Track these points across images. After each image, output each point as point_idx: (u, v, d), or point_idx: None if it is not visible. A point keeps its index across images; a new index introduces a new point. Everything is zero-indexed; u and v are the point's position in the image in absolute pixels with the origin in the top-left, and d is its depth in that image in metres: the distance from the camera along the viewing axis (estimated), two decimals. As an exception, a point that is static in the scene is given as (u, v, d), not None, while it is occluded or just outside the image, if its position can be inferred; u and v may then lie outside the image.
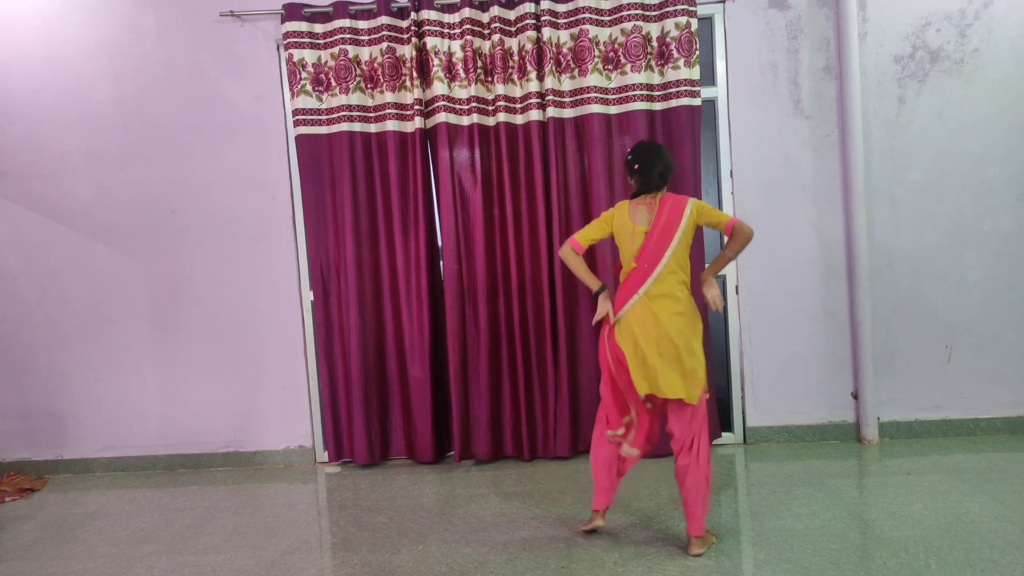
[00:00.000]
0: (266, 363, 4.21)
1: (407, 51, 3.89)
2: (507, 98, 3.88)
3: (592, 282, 2.91)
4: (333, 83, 3.97)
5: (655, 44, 3.85)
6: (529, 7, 3.82)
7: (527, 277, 3.92)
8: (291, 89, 3.97)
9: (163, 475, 4.24)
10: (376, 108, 3.98)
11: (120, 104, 4.14)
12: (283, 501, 3.69)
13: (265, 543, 3.12)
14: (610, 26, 3.86)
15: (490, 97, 3.94)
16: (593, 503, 2.97)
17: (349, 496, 3.67)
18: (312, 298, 4.10)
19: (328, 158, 4.00)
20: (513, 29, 3.88)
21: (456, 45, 3.90)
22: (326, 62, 3.97)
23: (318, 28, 3.96)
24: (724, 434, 4.08)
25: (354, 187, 3.97)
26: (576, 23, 3.84)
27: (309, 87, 3.97)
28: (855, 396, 4.02)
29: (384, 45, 3.90)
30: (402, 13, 3.92)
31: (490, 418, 3.99)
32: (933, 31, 3.88)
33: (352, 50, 3.94)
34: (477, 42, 3.90)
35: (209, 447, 4.28)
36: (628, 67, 3.85)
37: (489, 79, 3.93)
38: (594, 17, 3.84)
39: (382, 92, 3.95)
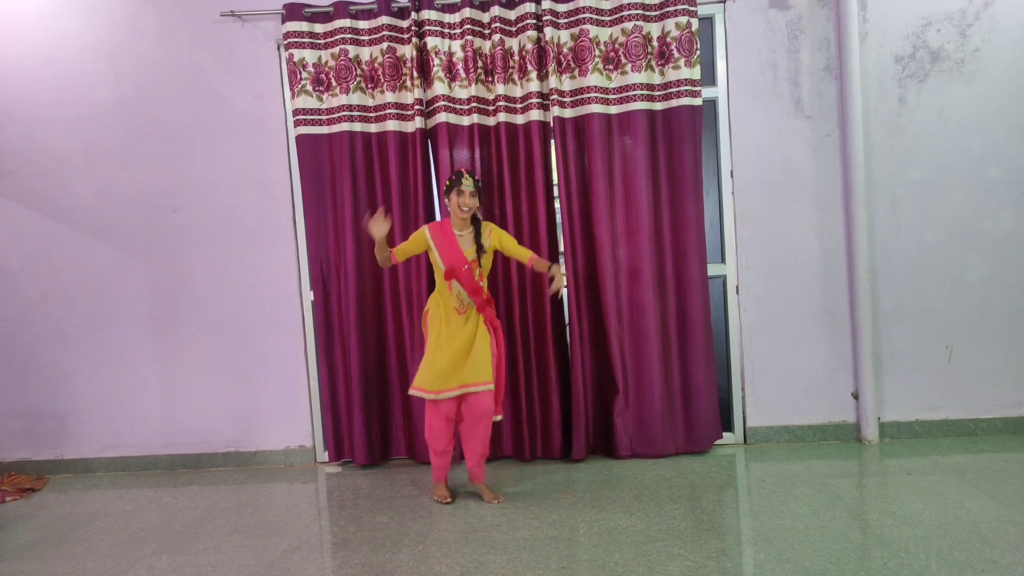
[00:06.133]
0: (266, 363, 4.21)
1: (407, 51, 3.89)
2: (507, 98, 3.88)
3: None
4: (333, 83, 3.97)
5: (655, 44, 3.85)
6: (530, 7, 3.81)
7: (527, 277, 3.92)
8: (291, 89, 3.97)
9: (163, 475, 4.24)
10: (376, 108, 3.98)
11: (120, 104, 4.15)
12: (283, 501, 3.69)
13: (265, 543, 3.12)
14: (611, 26, 3.86)
15: (490, 97, 3.94)
16: None
17: (349, 496, 3.67)
18: (312, 298, 4.11)
19: (328, 158, 4.00)
20: (513, 29, 3.87)
21: (456, 45, 3.90)
22: (326, 62, 3.97)
23: (318, 28, 3.96)
24: (724, 434, 4.07)
25: (354, 187, 3.97)
26: (577, 23, 3.83)
27: (309, 87, 3.97)
28: (855, 396, 4.02)
29: (384, 45, 3.89)
30: (402, 13, 3.92)
31: (490, 418, 3.99)
32: (934, 31, 3.88)
33: (352, 50, 3.93)
34: (478, 42, 3.90)
35: (209, 447, 4.28)
36: (629, 67, 3.85)
37: (489, 79, 3.93)
38: (595, 17, 3.83)
39: (382, 92, 3.95)
